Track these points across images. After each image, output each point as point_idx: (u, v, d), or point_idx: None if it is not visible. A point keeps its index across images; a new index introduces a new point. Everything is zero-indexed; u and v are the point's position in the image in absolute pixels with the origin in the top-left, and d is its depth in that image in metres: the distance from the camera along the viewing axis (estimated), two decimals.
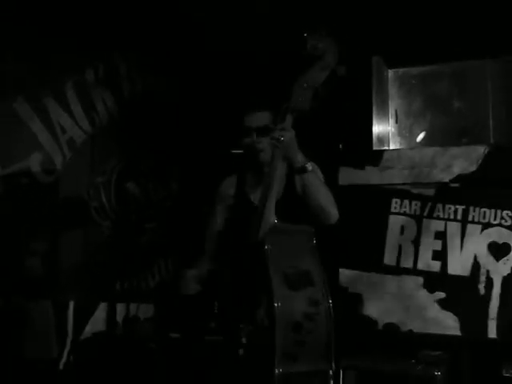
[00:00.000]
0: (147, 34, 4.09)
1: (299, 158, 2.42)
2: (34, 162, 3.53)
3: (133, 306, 3.83)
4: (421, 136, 4.63)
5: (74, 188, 3.81)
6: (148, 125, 4.24)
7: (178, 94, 4.46)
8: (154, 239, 4.22)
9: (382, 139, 4.56)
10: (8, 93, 3.40)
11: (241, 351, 2.40)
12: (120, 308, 3.75)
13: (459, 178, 3.92)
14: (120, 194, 3.99)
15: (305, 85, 2.35)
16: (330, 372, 2.34)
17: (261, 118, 2.64)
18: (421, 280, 3.94)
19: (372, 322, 3.99)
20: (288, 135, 2.37)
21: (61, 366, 3.53)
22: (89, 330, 3.74)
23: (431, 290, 3.91)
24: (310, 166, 2.43)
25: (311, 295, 2.32)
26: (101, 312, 3.81)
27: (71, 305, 3.64)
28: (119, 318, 3.76)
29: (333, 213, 2.48)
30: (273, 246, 2.35)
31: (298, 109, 2.36)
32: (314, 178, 2.47)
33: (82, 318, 3.73)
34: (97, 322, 3.80)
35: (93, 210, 3.89)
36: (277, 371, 2.23)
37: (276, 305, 2.25)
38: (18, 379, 3.25)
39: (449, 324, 3.81)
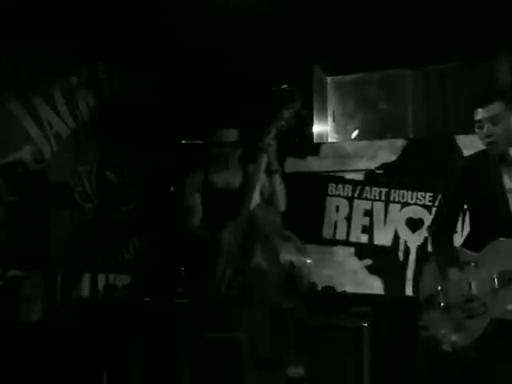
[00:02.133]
0: (126, 39, 4.43)
1: (275, 163, 3.34)
2: (26, 153, 3.96)
3: (111, 276, 4.19)
4: (355, 133, 5.24)
5: (60, 175, 4.20)
6: (123, 120, 4.58)
7: (151, 93, 4.82)
8: (129, 219, 4.58)
9: (322, 135, 5.18)
10: (3, 94, 3.83)
11: (232, 293, 3.02)
12: (100, 278, 4.10)
13: (383, 166, 4.55)
14: (100, 181, 4.37)
15: (286, 115, 3.32)
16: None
17: (230, 134, 3.53)
18: (352, 250, 4.58)
19: (312, 285, 4.51)
20: (274, 146, 3.29)
21: (51, 328, 3.88)
22: (74, 296, 4.16)
23: (361, 258, 4.56)
24: (279, 170, 3.41)
25: (296, 246, 3.09)
26: (85, 281, 4.22)
27: (59, 276, 4.05)
28: (100, 286, 4.10)
29: (283, 207, 3.45)
30: (260, 214, 3.12)
31: (279, 129, 3.33)
32: (279, 179, 3.41)
33: (69, 286, 4.15)
34: (81, 289, 4.23)
35: (77, 194, 4.27)
36: (272, 303, 2.92)
37: (278, 251, 2.95)
38: (12, 340, 3.61)
39: (375, 285, 4.48)
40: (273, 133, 3.28)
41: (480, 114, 2.53)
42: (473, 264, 2.53)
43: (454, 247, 2.71)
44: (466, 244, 2.73)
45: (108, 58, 4.46)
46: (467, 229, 2.95)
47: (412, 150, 4.52)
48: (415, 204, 4.46)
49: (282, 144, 4.69)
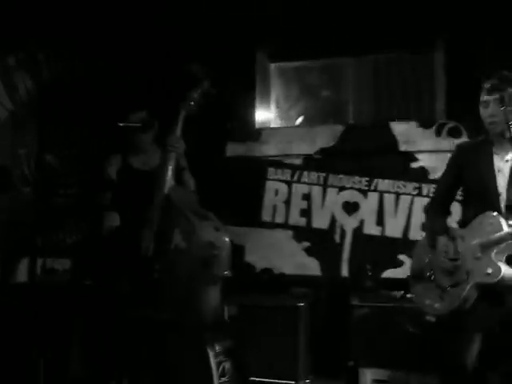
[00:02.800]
0: (64, 22, 4.37)
1: (183, 161, 3.29)
2: None
3: (51, 260, 4.18)
4: (300, 119, 5.34)
5: None
6: (63, 104, 4.51)
7: (91, 76, 4.75)
8: (69, 203, 4.54)
9: (265, 121, 5.23)
10: None
11: (156, 275, 3.01)
12: (40, 261, 4.07)
13: (321, 151, 4.71)
14: (39, 164, 4.30)
15: (194, 96, 3.22)
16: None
17: (138, 117, 3.41)
18: (291, 233, 4.72)
19: (251, 267, 4.74)
20: (182, 146, 3.22)
21: None
22: (13, 280, 4.12)
23: (299, 241, 4.71)
24: (186, 165, 3.34)
25: (214, 225, 3.07)
26: (23, 265, 4.13)
27: None
28: (39, 270, 4.06)
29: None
30: (175, 195, 3.11)
31: (188, 112, 3.23)
32: (187, 173, 3.36)
33: (7, 271, 4.11)
34: (20, 273, 4.18)
35: (15, 178, 4.21)
36: (197, 279, 2.92)
37: (196, 230, 2.98)
38: None
39: (312, 267, 4.64)
40: (182, 114, 3.23)
41: (487, 95, 2.69)
42: (460, 238, 2.74)
43: (445, 223, 2.89)
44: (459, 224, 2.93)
45: (47, 41, 4.41)
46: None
47: (349, 136, 4.68)
48: (351, 188, 4.63)
49: (221, 129, 4.94)
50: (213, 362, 2.99)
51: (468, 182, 2.82)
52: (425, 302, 2.83)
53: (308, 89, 5.33)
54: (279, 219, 4.75)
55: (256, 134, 4.88)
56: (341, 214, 4.64)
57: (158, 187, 3.15)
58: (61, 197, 4.47)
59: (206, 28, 4.78)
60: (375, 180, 4.59)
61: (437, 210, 2.96)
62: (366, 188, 4.59)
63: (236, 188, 4.59)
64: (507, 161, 2.70)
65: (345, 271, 4.58)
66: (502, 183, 2.69)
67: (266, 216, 4.78)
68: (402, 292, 4.11)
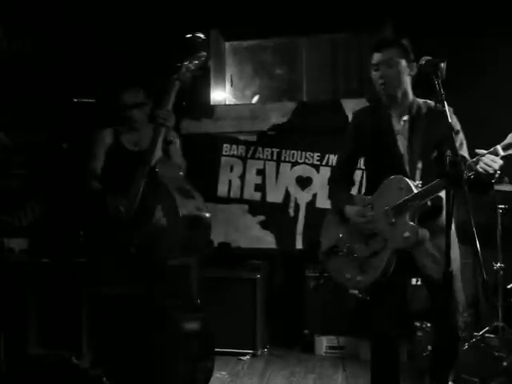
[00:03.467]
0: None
1: (171, 135, 3.25)
2: None
3: (7, 240, 4.19)
4: (255, 98, 5.43)
5: None
6: (15, 81, 4.44)
7: (43, 53, 4.70)
8: (23, 181, 4.45)
9: (220, 99, 5.28)
10: None
11: (133, 249, 2.97)
12: None
13: (274, 128, 4.82)
14: None
15: (191, 66, 3.17)
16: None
17: (134, 94, 3.39)
18: (246, 207, 4.83)
19: (210, 242, 4.65)
20: (173, 120, 3.17)
21: None
22: None
23: (254, 215, 4.83)
24: (176, 139, 3.34)
25: (196, 204, 3.10)
26: None
27: None
28: None
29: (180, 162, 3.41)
30: (161, 169, 3.08)
31: (183, 81, 3.16)
32: (176, 146, 3.36)
33: None
34: None
35: None
36: (174, 257, 2.96)
37: (179, 208, 2.94)
38: None
39: (267, 240, 4.77)
40: (176, 86, 3.15)
41: (376, 57, 2.72)
42: (369, 206, 2.74)
43: (350, 194, 2.91)
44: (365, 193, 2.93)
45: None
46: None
47: (301, 113, 4.79)
48: (304, 163, 4.76)
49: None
50: (179, 340, 2.95)
51: (369, 148, 2.80)
52: (345, 276, 2.77)
53: (262, 67, 5.41)
54: (234, 194, 4.86)
55: (210, 111, 4.93)
56: (294, 189, 4.77)
57: (145, 160, 3.09)
58: (15, 176, 4.43)
59: (162, 7, 4.80)
60: (327, 155, 4.72)
61: (340, 182, 2.95)
62: (318, 163, 4.72)
63: (191, 164, 4.61)
64: (404, 121, 2.73)
65: (299, 244, 4.72)
66: (402, 145, 2.70)
67: (221, 191, 4.87)
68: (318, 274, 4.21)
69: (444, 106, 2.35)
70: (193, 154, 4.76)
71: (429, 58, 2.49)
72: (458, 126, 2.70)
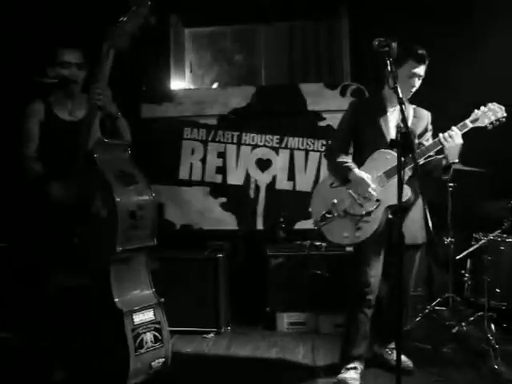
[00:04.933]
0: None
1: (113, 110, 3.05)
2: None
3: None
4: (214, 85, 5.48)
5: None
6: None
7: None
8: None
9: (180, 86, 5.33)
10: None
11: (75, 240, 2.86)
12: None
13: (235, 111, 4.90)
14: None
15: (127, 29, 2.79)
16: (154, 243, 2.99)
17: (76, 55, 3.13)
18: (207, 189, 4.91)
19: (171, 224, 4.89)
20: (108, 94, 2.91)
21: None
22: None
23: (215, 197, 4.91)
24: (119, 114, 3.10)
25: (139, 190, 2.91)
26: None
27: None
28: None
29: (129, 138, 3.19)
30: (100, 154, 2.88)
31: (118, 47, 2.81)
32: (123, 121, 3.16)
33: None
34: None
35: None
36: (117, 249, 2.77)
37: (117, 198, 2.78)
38: None
39: (229, 221, 4.86)
40: (110, 53, 2.81)
41: (419, 69, 3.13)
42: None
43: (351, 169, 3.16)
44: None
45: None
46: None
47: (261, 97, 4.89)
48: (264, 146, 4.88)
49: (136, 90, 4.98)
50: (129, 334, 2.85)
51: (364, 132, 3.20)
52: (343, 235, 3.14)
53: (221, 53, 5.46)
54: (196, 177, 4.91)
55: (171, 95, 4.97)
56: (255, 171, 4.87)
57: (81, 142, 2.86)
58: None
59: None
60: (286, 138, 4.85)
61: (339, 154, 3.25)
62: (278, 145, 4.85)
63: (153, 148, 4.67)
64: (397, 110, 3.12)
65: (260, 224, 4.83)
66: (393, 130, 3.14)
67: (183, 174, 4.91)
68: (309, 241, 4.46)
69: (396, 84, 2.58)
70: (154, 137, 4.89)
71: (381, 39, 2.68)
72: (431, 127, 3.30)
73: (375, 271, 3.17)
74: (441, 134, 3.04)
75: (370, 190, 3.07)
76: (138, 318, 2.90)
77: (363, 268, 3.17)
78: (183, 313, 4.08)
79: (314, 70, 5.36)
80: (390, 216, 3.10)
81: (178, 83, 5.33)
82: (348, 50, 5.06)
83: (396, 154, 2.85)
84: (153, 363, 2.94)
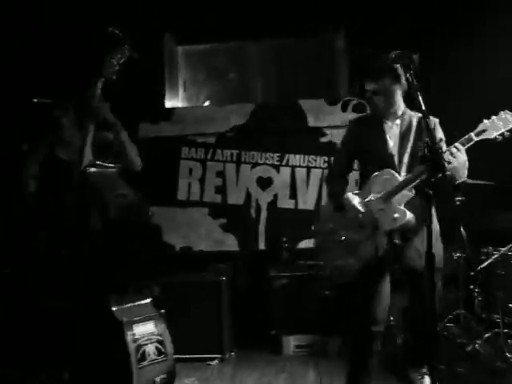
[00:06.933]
0: None
1: (111, 117, 3.10)
2: None
3: None
4: (207, 103, 5.38)
5: None
6: None
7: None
8: None
9: (174, 103, 5.23)
10: None
11: (64, 260, 2.86)
12: None
13: (234, 129, 4.83)
14: None
15: (113, 61, 3.05)
16: None
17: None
18: (206, 210, 4.80)
19: (170, 247, 4.75)
20: (101, 110, 3.06)
21: None
22: None
23: (215, 217, 4.80)
24: (117, 123, 3.15)
25: (127, 202, 3.00)
26: None
27: None
28: None
29: (138, 163, 3.28)
30: (94, 174, 2.95)
31: (106, 78, 3.05)
32: (125, 136, 3.19)
33: None
34: None
35: None
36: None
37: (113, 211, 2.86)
38: None
39: (229, 242, 4.75)
40: (100, 84, 3.03)
41: (370, 87, 2.92)
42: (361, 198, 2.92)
43: (345, 190, 3.02)
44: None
45: None
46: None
47: (260, 114, 4.83)
48: (264, 164, 4.80)
49: (132, 109, 4.86)
50: (131, 346, 2.80)
51: (364, 151, 3.00)
52: (338, 262, 2.93)
53: (215, 71, 5.39)
54: (194, 197, 4.81)
55: (168, 114, 4.88)
56: (255, 190, 4.79)
57: (76, 163, 2.97)
58: None
59: (116, 10, 4.71)
60: (287, 155, 4.78)
61: (337, 181, 3.10)
62: (279, 163, 4.77)
63: (150, 168, 4.53)
64: (396, 125, 2.95)
65: (262, 244, 4.73)
66: (393, 145, 2.92)
67: (181, 195, 4.81)
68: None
69: (418, 96, 2.46)
70: (151, 157, 4.74)
71: (398, 51, 2.58)
72: (441, 135, 2.93)
73: (380, 301, 2.90)
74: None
75: (359, 215, 2.87)
76: (139, 329, 2.84)
77: (367, 300, 2.91)
78: (185, 339, 3.89)
79: (311, 85, 5.29)
80: (397, 241, 2.86)
81: (172, 101, 5.23)
82: (346, 64, 5.01)
83: (395, 174, 2.82)
84: (156, 378, 2.84)
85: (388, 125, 2.97)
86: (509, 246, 3.84)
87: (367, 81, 2.94)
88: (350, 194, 2.95)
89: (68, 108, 3.24)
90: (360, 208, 2.87)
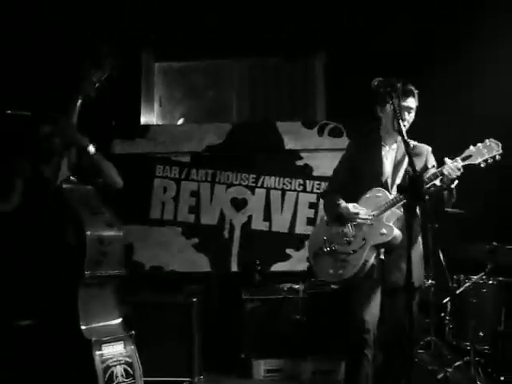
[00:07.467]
0: None
1: (84, 140, 2.94)
2: None
3: None
4: (181, 121, 5.35)
5: None
6: None
7: None
8: None
9: (149, 120, 5.16)
10: None
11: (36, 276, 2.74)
12: None
13: (209, 149, 4.78)
14: None
15: (94, 79, 2.91)
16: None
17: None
18: (180, 229, 4.73)
19: (140, 265, 4.65)
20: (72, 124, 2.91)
21: None
22: None
23: (188, 237, 4.72)
24: (92, 148, 2.96)
25: (107, 220, 2.88)
26: None
27: None
28: None
29: (119, 182, 3.19)
30: (68, 189, 2.85)
31: (86, 95, 2.91)
32: (100, 157, 3.04)
33: None
34: None
35: None
36: (86, 273, 2.67)
37: (88, 231, 2.72)
38: None
39: (202, 263, 4.67)
40: (78, 102, 2.91)
41: (411, 103, 3.02)
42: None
43: (339, 204, 3.08)
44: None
45: None
46: None
47: (237, 134, 4.80)
48: (239, 185, 4.75)
49: (106, 126, 4.79)
50: (99, 366, 2.67)
51: (361, 171, 3.12)
52: (329, 272, 3.05)
53: (191, 89, 5.36)
54: (168, 216, 4.73)
55: (143, 131, 4.81)
56: (229, 210, 4.74)
57: (51, 179, 2.88)
58: None
59: (93, 25, 4.64)
60: (262, 177, 4.75)
61: (334, 194, 3.16)
62: (254, 184, 4.73)
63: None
64: (393, 149, 3.07)
65: (234, 266, 4.67)
66: (388, 168, 3.05)
67: (154, 214, 4.74)
68: (289, 284, 4.30)
69: (400, 126, 2.50)
70: (125, 175, 4.66)
71: (381, 78, 2.60)
72: (433, 163, 3.07)
73: (369, 312, 2.96)
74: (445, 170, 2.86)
75: (359, 216, 2.99)
76: (107, 349, 2.72)
77: (357, 310, 2.98)
78: (154, 362, 3.82)
79: (288, 107, 5.31)
80: (383, 257, 2.98)
81: (148, 117, 5.16)
82: (323, 87, 5.05)
83: (386, 193, 2.97)
84: None
85: (386, 148, 3.10)
86: (481, 275, 3.89)
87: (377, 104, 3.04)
88: (347, 204, 3.06)
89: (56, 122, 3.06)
90: (356, 210, 3.00)
